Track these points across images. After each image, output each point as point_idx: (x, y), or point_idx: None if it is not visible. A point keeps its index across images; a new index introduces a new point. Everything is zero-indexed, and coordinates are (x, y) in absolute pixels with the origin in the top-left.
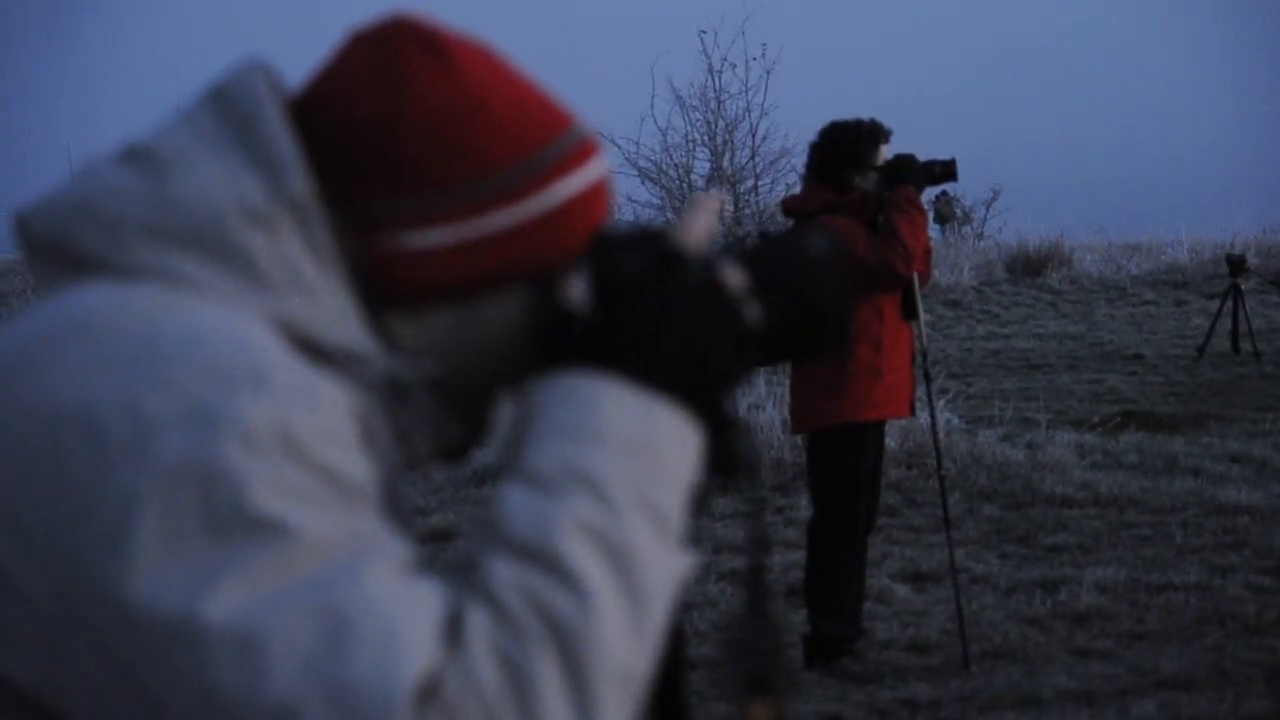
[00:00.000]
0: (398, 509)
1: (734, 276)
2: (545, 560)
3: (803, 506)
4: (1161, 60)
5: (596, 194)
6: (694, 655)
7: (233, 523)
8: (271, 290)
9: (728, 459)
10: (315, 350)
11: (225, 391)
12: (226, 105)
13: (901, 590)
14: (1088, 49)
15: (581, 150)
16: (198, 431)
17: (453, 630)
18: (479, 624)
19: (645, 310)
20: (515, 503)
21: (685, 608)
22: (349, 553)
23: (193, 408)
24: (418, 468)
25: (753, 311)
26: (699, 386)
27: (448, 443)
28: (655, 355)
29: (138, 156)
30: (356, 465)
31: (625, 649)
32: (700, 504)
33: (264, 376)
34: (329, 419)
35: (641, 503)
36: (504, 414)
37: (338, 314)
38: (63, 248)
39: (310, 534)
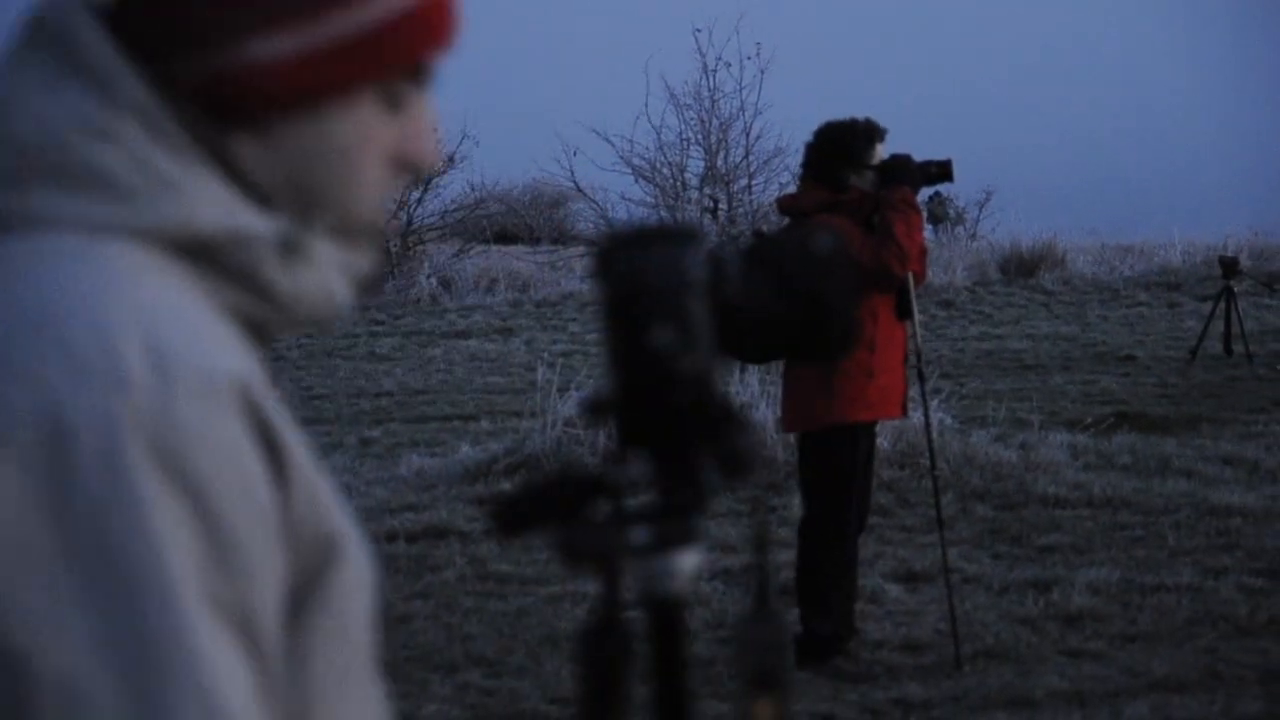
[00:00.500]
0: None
1: None
2: None
3: (795, 506)
4: (1155, 63)
5: (443, 3)
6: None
7: (82, 550)
8: (138, 201)
9: (733, 459)
10: (199, 248)
11: (81, 390)
12: (44, 33)
13: (894, 590)
14: (1081, 51)
15: None
16: (53, 441)
17: None
18: None
19: None
20: None
21: (683, 605)
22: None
23: (49, 410)
24: (336, 317)
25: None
26: None
27: (359, 276)
28: None
29: None
30: (234, 495)
31: None
32: (704, 503)
33: (122, 377)
34: (200, 425)
35: None
36: None
37: (209, 199)
38: None
39: (156, 582)
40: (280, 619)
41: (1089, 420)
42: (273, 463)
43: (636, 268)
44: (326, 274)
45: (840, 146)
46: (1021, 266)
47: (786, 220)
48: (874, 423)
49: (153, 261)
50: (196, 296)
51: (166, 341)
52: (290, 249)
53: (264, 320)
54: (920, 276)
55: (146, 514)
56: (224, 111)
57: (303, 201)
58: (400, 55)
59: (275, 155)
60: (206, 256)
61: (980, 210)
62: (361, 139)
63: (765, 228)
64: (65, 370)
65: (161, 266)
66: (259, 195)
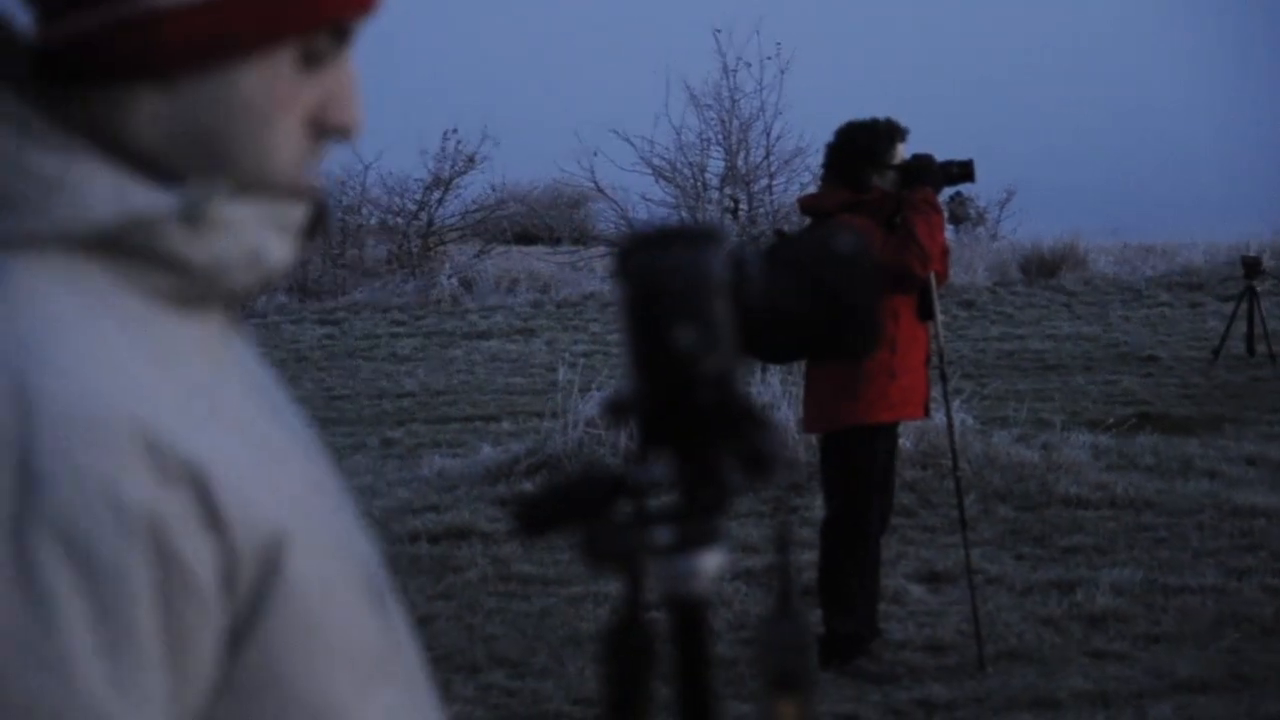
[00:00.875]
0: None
1: None
2: None
3: (817, 506)
4: (1177, 61)
5: None
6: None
7: None
8: (24, 209)
9: (758, 460)
10: (101, 239)
11: None
12: None
13: (917, 591)
14: (1103, 49)
15: None
16: None
17: None
18: None
19: None
20: None
21: (706, 606)
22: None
23: None
24: (273, 274)
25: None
26: None
27: (291, 228)
28: None
29: None
30: (109, 541)
31: None
32: (726, 503)
33: (27, 463)
34: (62, 472)
35: None
36: None
37: (98, 188)
38: None
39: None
40: (216, 649)
41: (1111, 421)
42: (193, 493)
43: (658, 268)
44: (246, 234)
45: (861, 147)
46: (1043, 267)
47: (808, 220)
48: (896, 423)
49: (54, 271)
50: (104, 304)
51: (38, 383)
52: (193, 218)
53: (198, 294)
54: (942, 277)
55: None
56: (126, 64)
57: (210, 159)
58: (317, 13)
59: (181, 111)
60: (111, 245)
61: (1001, 210)
62: (275, 97)
63: (786, 228)
64: None
65: (65, 274)
66: (156, 163)
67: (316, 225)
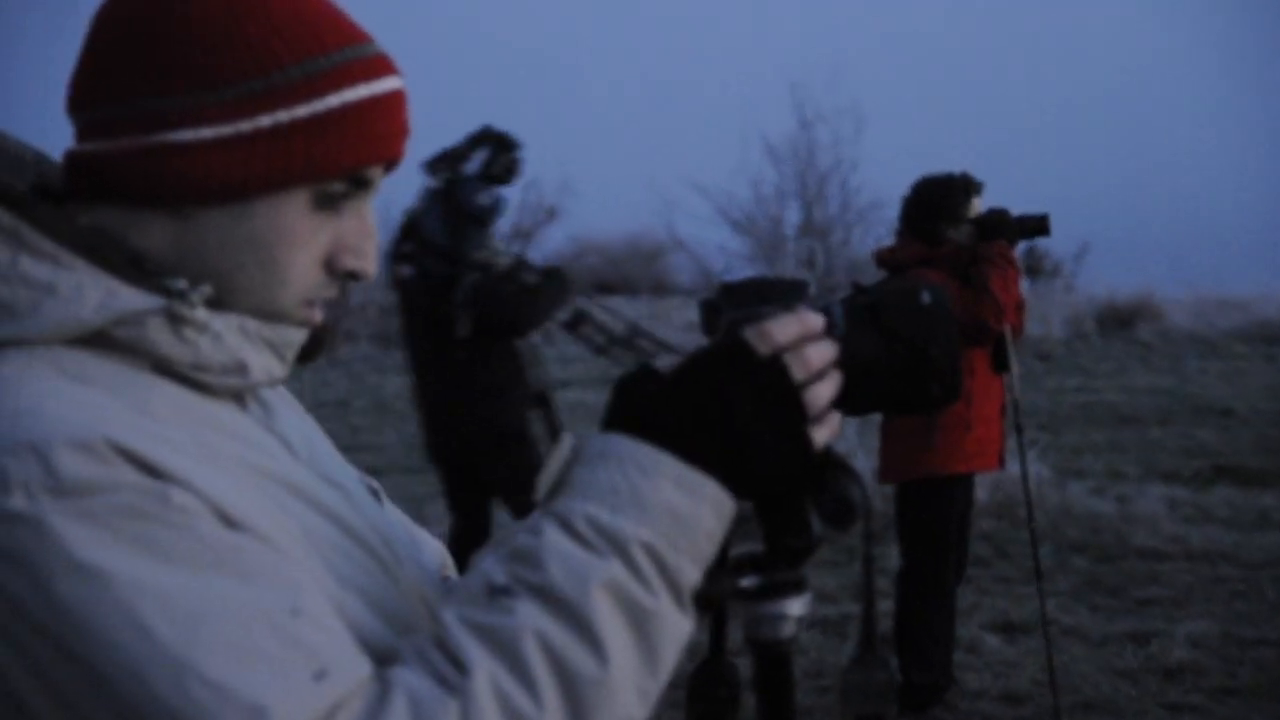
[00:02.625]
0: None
1: (806, 364)
2: (573, 615)
3: (893, 556)
4: (1249, 110)
5: (378, 107)
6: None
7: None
8: (19, 314)
9: (839, 507)
10: (91, 335)
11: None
12: None
13: (992, 641)
14: (1176, 105)
15: (368, 65)
16: None
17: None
18: (484, 667)
19: (710, 392)
20: (555, 549)
21: (790, 651)
22: None
23: None
24: (255, 386)
25: (825, 392)
26: (746, 472)
27: (286, 348)
28: (710, 440)
29: None
30: (143, 501)
31: (630, 705)
32: (811, 550)
33: (7, 481)
34: (88, 473)
35: (666, 572)
36: (555, 451)
37: (87, 292)
38: None
39: None
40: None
41: (1187, 473)
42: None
43: (748, 320)
44: (232, 344)
45: (936, 201)
46: (1118, 319)
47: (884, 274)
48: (971, 475)
49: (46, 361)
50: (96, 380)
51: (37, 433)
52: (177, 319)
53: (192, 383)
54: (1017, 329)
55: (85, 559)
56: (141, 190)
57: (217, 284)
58: (332, 160)
59: (190, 237)
60: (103, 340)
61: (1076, 263)
62: (285, 235)
63: (864, 281)
64: None
65: (58, 362)
66: (153, 262)
67: (315, 348)
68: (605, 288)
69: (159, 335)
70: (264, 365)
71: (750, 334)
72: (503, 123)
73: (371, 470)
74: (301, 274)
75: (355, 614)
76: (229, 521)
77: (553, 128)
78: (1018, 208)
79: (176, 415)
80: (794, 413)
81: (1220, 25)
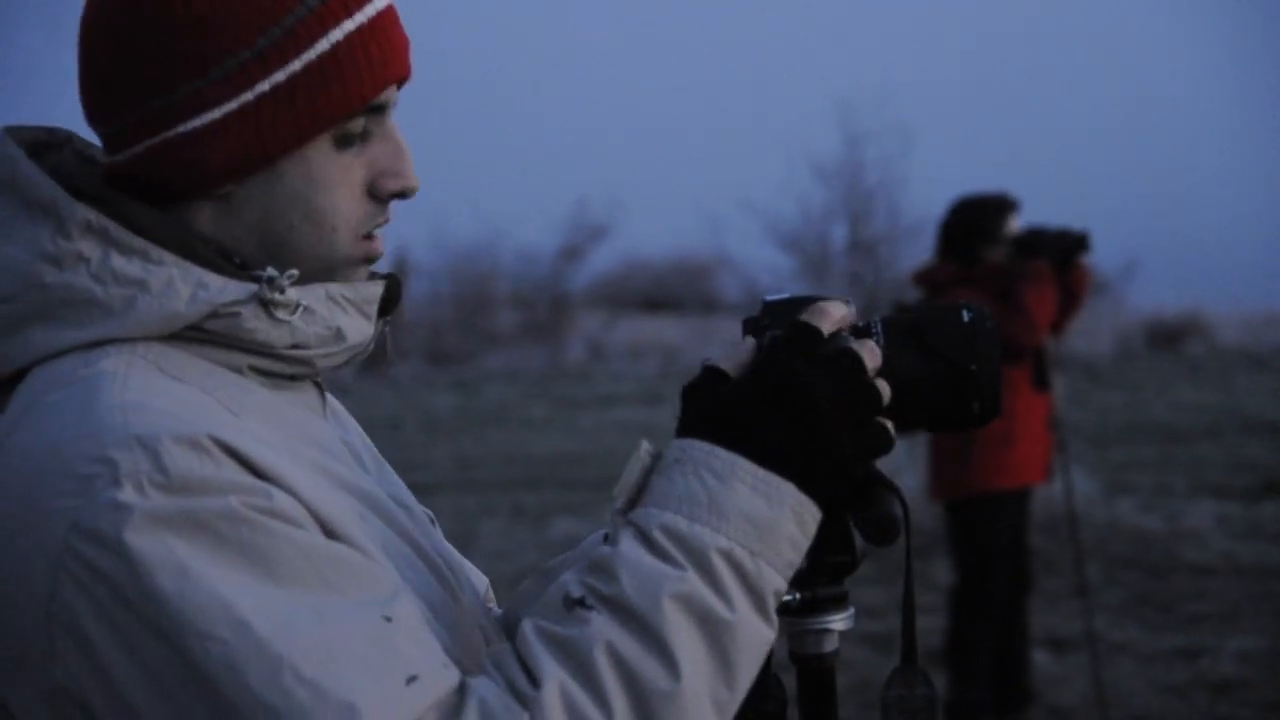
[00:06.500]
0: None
1: (871, 358)
2: (644, 626)
3: (939, 572)
4: None
5: (370, 35)
6: None
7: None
8: (115, 311)
9: (881, 523)
10: (187, 329)
11: (92, 500)
12: None
13: (1040, 657)
14: (1223, 117)
15: (340, 4)
16: (93, 548)
17: None
18: (556, 678)
19: (787, 380)
20: (629, 560)
21: (834, 665)
22: None
23: (78, 528)
24: (355, 351)
25: (883, 391)
26: (824, 470)
27: (369, 304)
28: (786, 438)
29: None
30: (254, 504)
31: (704, 718)
32: (855, 566)
33: (119, 475)
34: (199, 470)
35: (746, 580)
36: (632, 460)
37: (178, 285)
38: None
39: None
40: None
41: (1236, 488)
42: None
43: None
44: (324, 314)
45: (973, 221)
46: (1166, 335)
47: (923, 294)
48: (1020, 489)
49: (144, 358)
50: (191, 379)
51: (146, 427)
52: (269, 304)
53: (287, 373)
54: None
55: (186, 558)
56: (178, 185)
57: (277, 251)
58: (339, 102)
59: (237, 216)
60: (199, 333)
61: (1124, 279)
62: (320, 184)
63: (905, 301)
64: (78, 492)
65: (156, 359)
66: (233, 257)
67: (391, 301)
68: (654, 305)
69: (254, 323)
70: (356, 327)
71: (809, 315)
72: (555, 143)
73: (422, 488)
74: (348, 213)
75: (432, 630)
76: (325, 526)
77: (601, 147)
78: (1065, 223)
79: (264, 416)
80: (872, 401)
81: (1271, 40)
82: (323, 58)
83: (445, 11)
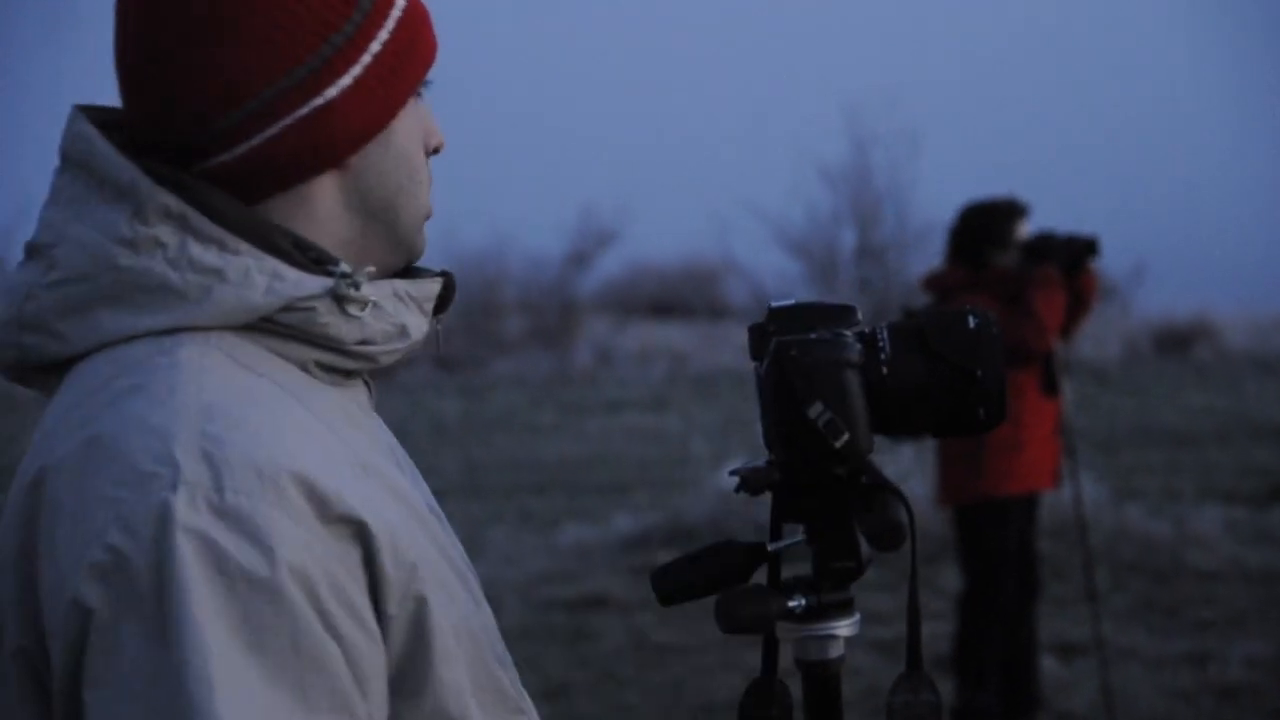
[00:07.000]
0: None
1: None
2: None
3: (947, 577)
4: None
5: (411, 12)
6: None
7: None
8: (190, 299)
9: (887, 530)
10: (259, 321)
11: (143, 499)
12: (70, 162)
13: (1048, 662)
14: (1231, 122)
15: None
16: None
17: None
18: None
19: None
20: None
21: (840, 672)
22: None
23: (127, 525)
24: (415, 348)
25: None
26: None
27: (429, 301)
28: None
29: (31, 252)
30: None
31: None
32: (860, 573)
33: (177, 479)
34: (251, 513)
35: None
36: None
37: (254, 275)
38: (24, 365)
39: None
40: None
41: (1244, 493)
42: (355, 541)
43: (795, 344)
44: (390, 310)
45: (980, 226)
46: (1174, 339)
47: (931, 298)
48: (1028, 495)
49: (220, 349)
50: (265, 373)
51: (220, 440)
52: (342, 299)
53: (349, 369)
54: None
55: (192, 597)
56: (308, 163)
57: (382, 219)
58: (429, 49)
59: (355, 185)
60: (269, 325)
61: (1132, 283)
62: (412, 140)
63: (913, 305)
64: (134, 484)
65: (230, 350)
66: (314, 249)
67: (446, 300)
68: (661, 310)
69: (328, 317)
70: (417, 324)
71: None
72: (563, 149)
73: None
74: (426, 168)
75: (470, 650)
76: (401, 559)
77: (609, 152)
78: (1072, 227)
79: (345, 417)
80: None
81: (1277, 43)
82: (406, 10)
83: (452, 18)
